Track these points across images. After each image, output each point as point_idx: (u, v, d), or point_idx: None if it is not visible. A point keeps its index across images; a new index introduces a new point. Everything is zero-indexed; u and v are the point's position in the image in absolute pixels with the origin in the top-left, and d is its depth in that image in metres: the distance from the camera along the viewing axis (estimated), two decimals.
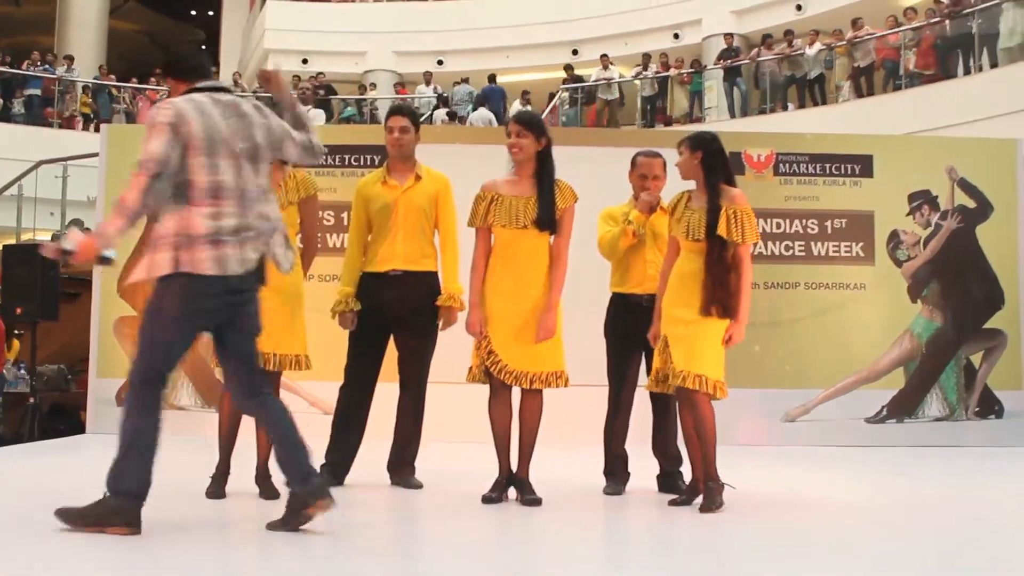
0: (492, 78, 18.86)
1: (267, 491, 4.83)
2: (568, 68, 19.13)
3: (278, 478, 4.20)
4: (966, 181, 8.42)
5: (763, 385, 8.03)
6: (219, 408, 5.07)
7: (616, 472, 5.28)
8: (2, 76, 17.48)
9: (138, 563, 3.42)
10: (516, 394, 4.80)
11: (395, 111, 5.49)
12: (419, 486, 5.27)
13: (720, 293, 4.63)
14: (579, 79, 18.82)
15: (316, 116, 11.31)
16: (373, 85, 20.74)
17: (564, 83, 18.53)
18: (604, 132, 14.07)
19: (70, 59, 19.00)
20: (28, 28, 25.47)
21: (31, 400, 9.36)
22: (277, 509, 4.02)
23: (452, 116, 17.59)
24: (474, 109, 17.66)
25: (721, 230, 4.65)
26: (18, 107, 17.23)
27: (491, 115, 17.28)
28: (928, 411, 8.30)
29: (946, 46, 15.06)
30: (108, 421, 8.13)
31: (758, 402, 7.98)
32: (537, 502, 4.67)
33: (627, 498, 5.17)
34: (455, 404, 6.42)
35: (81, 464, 6.90)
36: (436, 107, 18.27)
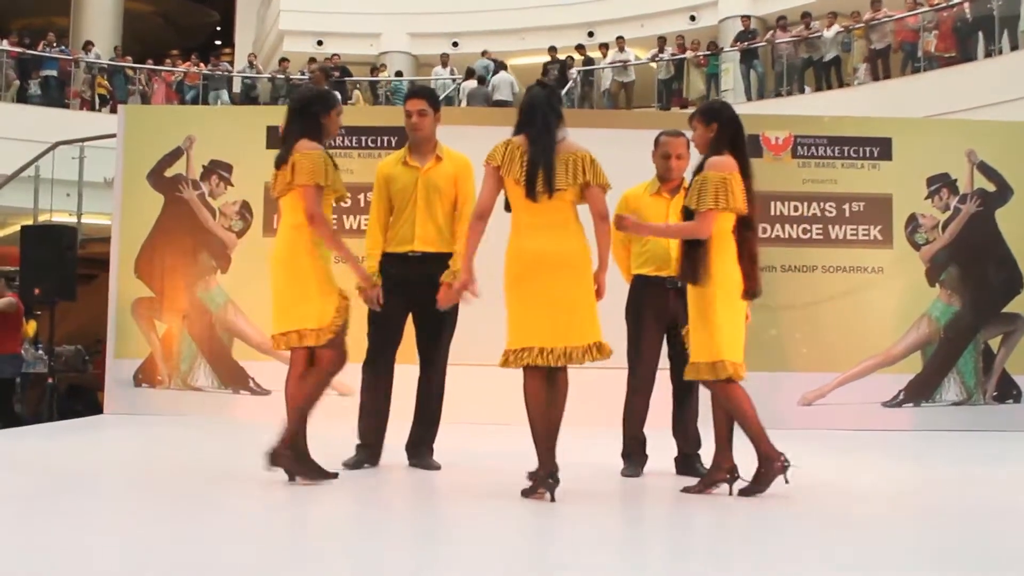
0: (503, 66, 18.75)
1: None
2: (580, 48, 19.00)
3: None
4: (985, 164, 8.37)
5: (779, 368, 8.02)
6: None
7: (634, 454, 5.27)
8: (19, 57, 17.48)
9: (159, 537, 3.44)
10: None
11: (412, 94, 5.44)
12: (437, 467, 5.28)
13: (685, 263, 4.58)
14: (590, 61, 18.72)
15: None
16: (384, 66, 20.71)
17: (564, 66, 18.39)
18: (620, 114, 14.01)
19: (90, 44, 19.01)
20: (43, 9, 25.46)
21: (49, 380, 9.41)
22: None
23: (481, 81, 17.62)
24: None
25: (687, 200, 4.58)
26: (35, 88, 17.24)
27: (513, 78, 17.51)
28: (946, 395, 8.28)
29: (966, 28, 14.94)
30: (126, 402, 8.23)
31: (774, 385, 7.95)
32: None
33: (643, 480, 5.16)
34: (473, 386, 6.45)
35: (102, 443, 6.95)
36: (465, 78, 18.31)
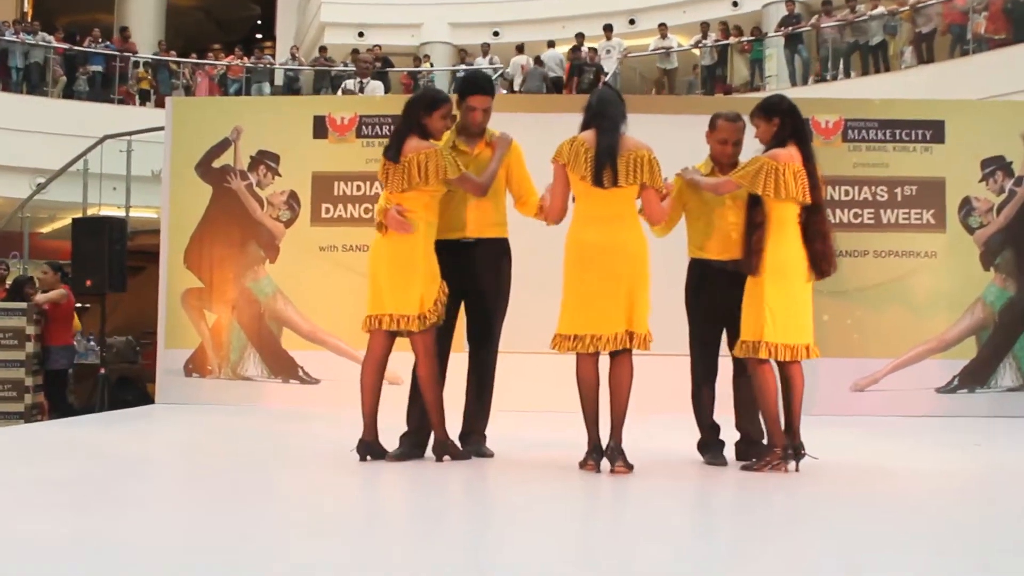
0: (551, 44, 18.80)
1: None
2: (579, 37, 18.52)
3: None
4: None
5: (832, 354, 7.87)
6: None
7: (711, 443, 5.21)
8: (66, 53, 17.67)
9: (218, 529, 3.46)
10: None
11: (480, 89, 5.25)
12: (491, 455, 5.26)
13: (745, 251, 4.85)
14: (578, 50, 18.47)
15: (375, 88, 11.28)
16: (427, 57, 20.75)
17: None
18: (665, 99, 13.90)
19: (126, 31, 19.20)
20: (88, 6, 25.73)
21: (101, 371, 9.51)
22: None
23: (538, 61, 17.83)
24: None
25: (736, 170, 4.93)
26: (82, 84, 17.42)
27: (561, 55, 17.90)
28: (1001, 381, 8.14)
29: (1018, 10, 14.66)
30: (176, 392, 8.31)
31: (827, 371, 7.85)
32: (629, 468, 4.59)
33: (707, 467, 5.11)
34: (525, 373, 6.44)
35: (156, 432, 7.03)
36: (516, 52, 18.49)
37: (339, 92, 12.32)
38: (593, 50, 17.64)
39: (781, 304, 4.74)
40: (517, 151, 5.30)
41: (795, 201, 4.75)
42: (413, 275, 4.87)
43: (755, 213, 4.84)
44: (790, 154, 4.78)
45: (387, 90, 17.95)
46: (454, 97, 5.24)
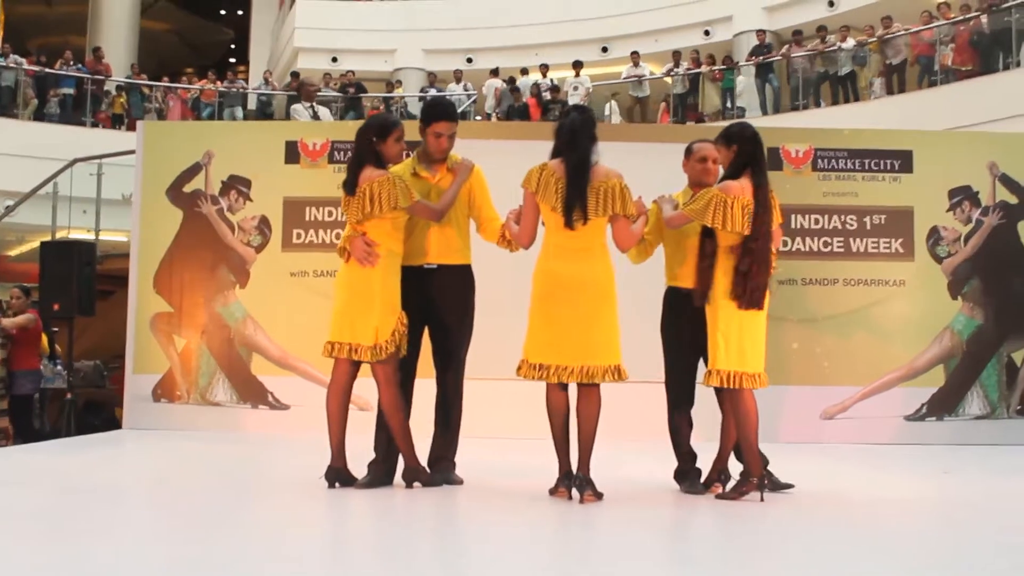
0: (525, 71, 18.93)
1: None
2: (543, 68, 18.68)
3: None
4: (1008, 176, 8.31)
5: (801, 382, 7.97)
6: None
7: (688, 471, 5.20)
8: (37, 75, 17.58)
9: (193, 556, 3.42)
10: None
11: (446, 115, 5.21)
12: (460, 482, 5.22)
13: (696, 282, 4.93)
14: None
15: (298, 112, 11.19)
16: (399, 82, 20.80)
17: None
18: (637, 127, 13.99)
19: (99, 51, 19.14)
20: (60, 28, 25.66)
21: (68, 396, 9.41)
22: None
23: (511, 82, 18.13)
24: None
25: (687, 203, 5.00)
26: (53, 107, 17.33)
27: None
28: (969, 409, 8.20)
29: (983, 42, 14.89)
30: (144, 417, 8.22)
31: (796, 399, 7.91)
32: (599, 497, 4.60)
33: (682, 495, 5.10)
34: (494, 400, 6.41)
35: (123, 458, 6.95)
36: (490, 76, 18.77)
37: (290, 117, 12.23)
38: (556, 88, 17.69)
39: (735, 332, 4.77)
40: (479, 176, 5.29)
41: (739, 235, 4.78)
42: (370, 305, 4.87)
43: (706, 243, 4.90)
44: (741, 186, 4.80)
45: (359, 116, 18.00)
46: (418, 124, 5.24)
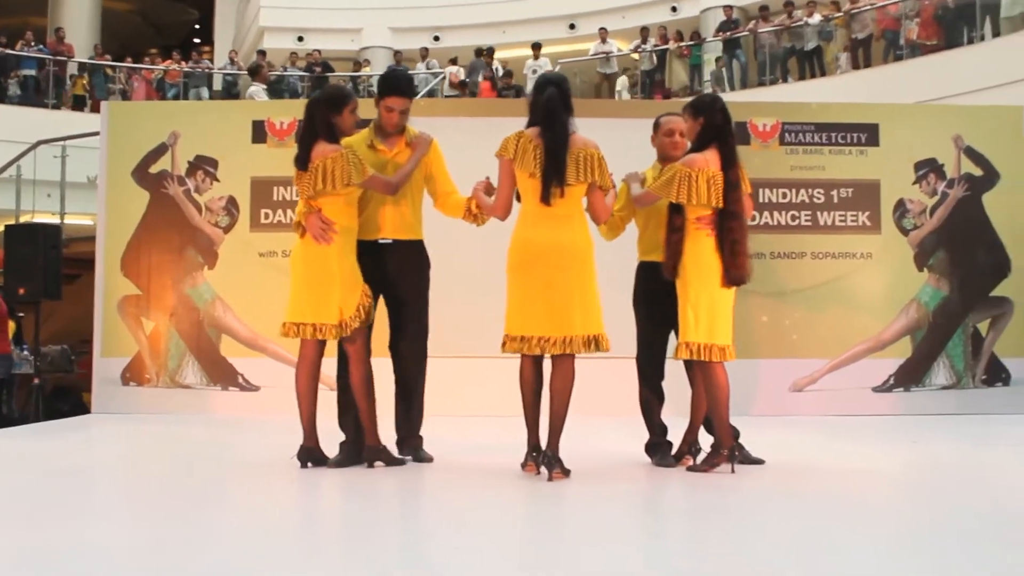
0: (489, 51, 18.76)
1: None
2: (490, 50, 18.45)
3: None
4: (972, 149, 8.39)
5: (770, 355, 8.03)
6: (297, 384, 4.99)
7: (659, 444, 5.22)
8: None
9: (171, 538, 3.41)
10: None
11: (399, 91, 5.15)
12: (430, 459, 5.20)
13: (665, 256, 4.91)
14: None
15: (256, 93, 11.06)
16: (367, 61, 20.67)
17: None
18: (604, 103, 13.98)
19: (60, 31, 18.88)
20: (20, 8, 25.24)
21: (35, 381, 9.33)
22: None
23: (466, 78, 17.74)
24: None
25: (654, 181, 4.98)
26: (14, 88, 17.09)
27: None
28: (935, 379, 8.29)
29: (948, 16, 14.97)
30: (113, 401, 8.16)
31: (765, 372, 7.97)
32: (566, 474, 4.56)
33: (653, 468, 5.12)
34: (467, 378, 6.43)
35: (93, 442, 6.91)
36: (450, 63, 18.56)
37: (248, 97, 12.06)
38: (509, 74, 17.46)
39: (704, 305, 4.77)
40: (437, 151, 5.26)
41: (707, 207, 4.77)
42: (331, 283, 4.83)
43: (675, 218, 4.88)
44: (706, 159, 4.79)
45: None
46: (372, 98, 5.20)
